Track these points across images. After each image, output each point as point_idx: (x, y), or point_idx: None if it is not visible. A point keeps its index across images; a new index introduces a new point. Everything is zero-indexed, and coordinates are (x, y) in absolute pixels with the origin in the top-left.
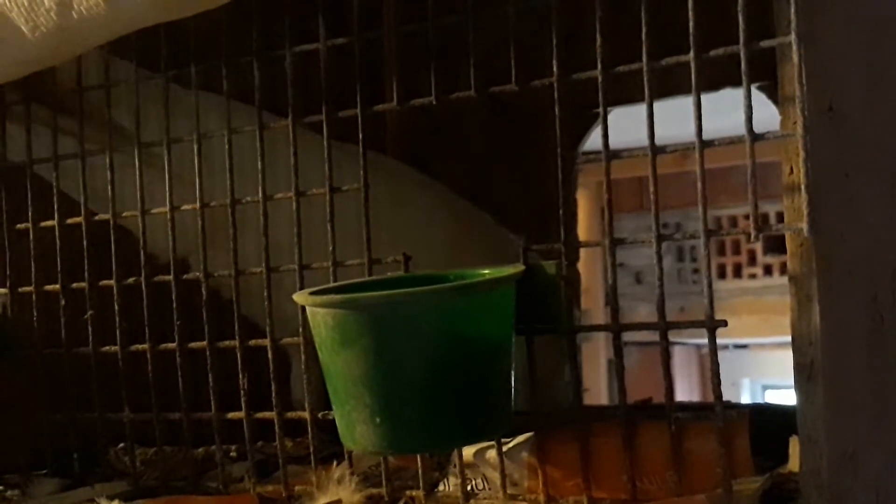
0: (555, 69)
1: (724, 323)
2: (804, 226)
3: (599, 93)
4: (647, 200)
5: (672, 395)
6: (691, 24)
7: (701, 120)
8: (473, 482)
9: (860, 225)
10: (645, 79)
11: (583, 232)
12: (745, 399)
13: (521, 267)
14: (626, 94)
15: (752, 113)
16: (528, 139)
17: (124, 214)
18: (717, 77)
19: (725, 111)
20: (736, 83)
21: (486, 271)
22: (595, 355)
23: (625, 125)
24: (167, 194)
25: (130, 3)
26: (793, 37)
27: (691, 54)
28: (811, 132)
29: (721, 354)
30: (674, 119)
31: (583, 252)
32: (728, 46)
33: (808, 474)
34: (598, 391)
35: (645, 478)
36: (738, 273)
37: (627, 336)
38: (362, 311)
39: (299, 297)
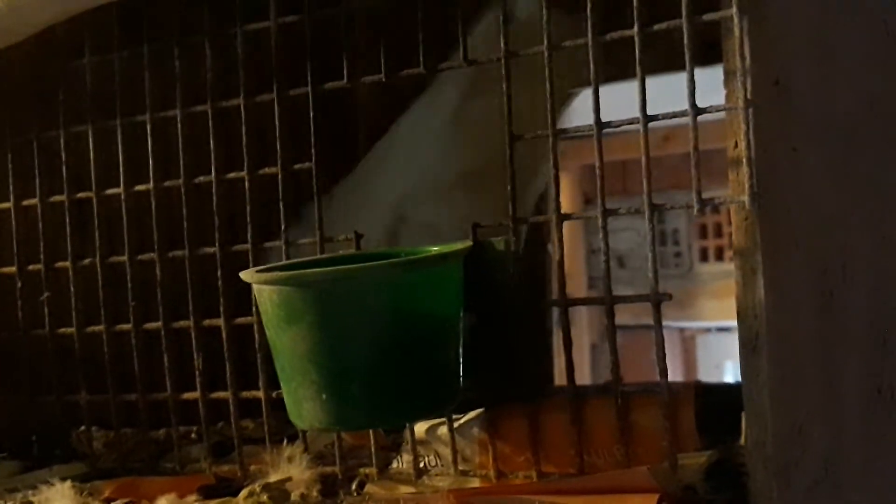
0: (502, 45)
1: (669, 296)
2: (746, 199)
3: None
4: (631, 183)
5: (618, 371)
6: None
7: (645, 96)
8: (426, 459)
9: (809, 199)
10: (590, 56)
11: None
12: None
13: (468, 243)
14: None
15: (694, 87)
16: None
17: (79, 196)
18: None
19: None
20: (711, 62)
21: (435, 248)
22: (578, 338)
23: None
24: (120, 175)
25: None
26: (734, 10)
27: (635, 29)
28: (757, 106)
29: (704, 337)
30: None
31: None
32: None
33: (754, 447)
34: (581, 374)
35: (593, 452)
36: (720, 256)
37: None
38: (307, 287)
39: (246, 275)
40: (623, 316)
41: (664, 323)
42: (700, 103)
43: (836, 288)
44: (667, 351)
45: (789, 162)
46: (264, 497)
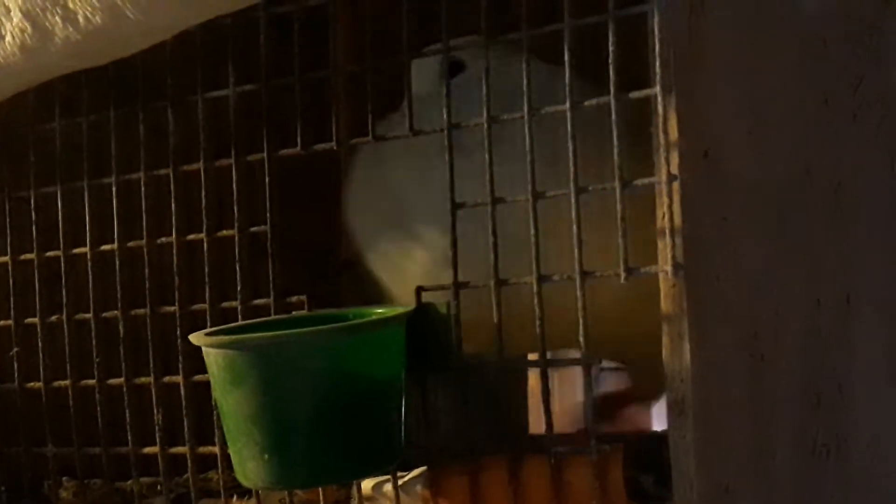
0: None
1: (599, 360)
2: (668, 269)
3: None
4: None
5: (551, 429)
6: (567, 75)
7: (577, 168)
8: None
9: (739, 266)
10: (526, 128)
11: None
12: None
13: (410, 307)
14: None
15: (623, 162)
16: None
17: (48, 254)
18: None
19: None
20: None
21: (380, 310)
22: (572, 381)
23: None
24: (87, 236)
25: (46, 53)
26: (657, 89)
27: (567, 104)
28: (685, 178)
29: None
30: None
31: None
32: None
33: None
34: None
35: None
36: None
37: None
38: (249, 351)
39: (194, 338)
40: None
41: None
42: None
43: (768, 351)
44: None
45: (719, 231)
46: None
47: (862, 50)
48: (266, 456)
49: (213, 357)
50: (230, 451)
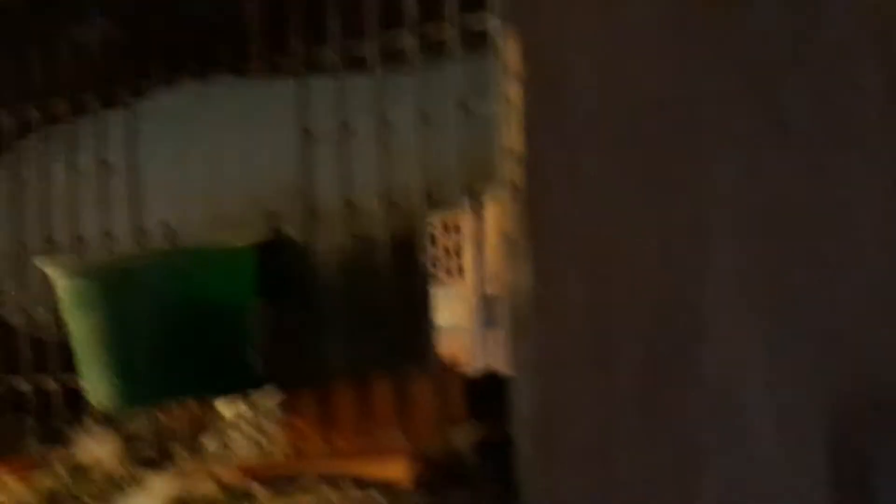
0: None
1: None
2: (507, 192)
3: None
4: None
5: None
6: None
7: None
8: (233, 438)
9: (584, 192)
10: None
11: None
12: None
13: (258, 237)
14: None
15: (463, 88)
16: None
17: None
18: None
19: None
20: None
21: (232, 242)
22: None
23: None
24: None
25: None
26: (495, 18)
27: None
28: (528, 106)
29: None
30: None
31: None
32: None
33: (520, 422)
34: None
35: (378, 428)
36: None
37: None
38: (95, 278)
39: (43, 265)
40: None
41: None
42: None
43: (615, 274)
44: None
45: (562, 157)
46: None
47: None
48: (114, 378)
49: (63, 285)
50: (83, 375)
